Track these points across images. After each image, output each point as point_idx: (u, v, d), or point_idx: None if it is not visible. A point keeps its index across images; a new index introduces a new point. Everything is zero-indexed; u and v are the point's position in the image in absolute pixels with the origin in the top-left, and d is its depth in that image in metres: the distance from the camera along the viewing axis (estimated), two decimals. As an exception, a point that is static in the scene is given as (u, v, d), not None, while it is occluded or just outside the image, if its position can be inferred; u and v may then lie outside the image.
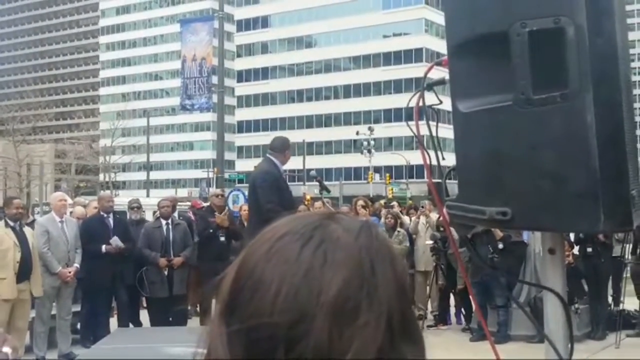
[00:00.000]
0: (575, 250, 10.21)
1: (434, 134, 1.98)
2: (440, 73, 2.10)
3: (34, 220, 10.94)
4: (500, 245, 9.75)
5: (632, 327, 10.33)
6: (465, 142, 1.87)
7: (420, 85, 2.07)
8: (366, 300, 0.75)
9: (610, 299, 11.12)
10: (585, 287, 10.36)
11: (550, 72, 1.63)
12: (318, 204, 12.28)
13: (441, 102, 1.92)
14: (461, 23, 1.86)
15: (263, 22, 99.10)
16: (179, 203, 15.14)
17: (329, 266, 0.76)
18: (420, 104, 2.18)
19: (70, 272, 9.07)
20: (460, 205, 1.84)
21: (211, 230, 10.27)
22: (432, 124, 1.96)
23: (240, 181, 47.02)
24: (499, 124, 1.72)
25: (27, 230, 8.84)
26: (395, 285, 0.79)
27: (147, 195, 46.77)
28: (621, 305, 11.06)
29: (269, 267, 0.77)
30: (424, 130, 2.41)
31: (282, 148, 7.49)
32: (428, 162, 2.13)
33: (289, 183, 7.56)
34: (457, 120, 1.87)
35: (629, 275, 10.80)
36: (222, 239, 10.34)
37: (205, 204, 14.63)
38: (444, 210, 2.00)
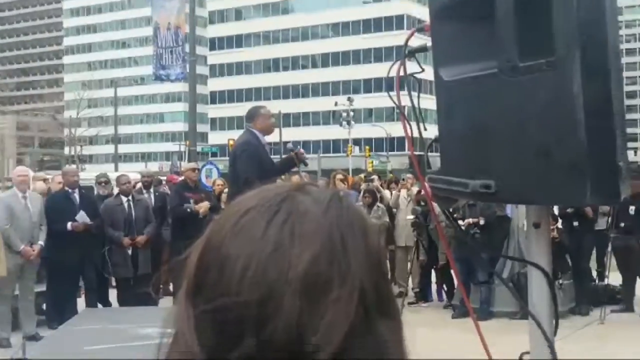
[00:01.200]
0: (559, 224, 10.27)
1: (415, 104, 1.96)
2: (422, 40, 2.09)
3: (-6, 196, 10.85)
4: (482, 221, 9.80)
5: (616, 302, 10.45)
6: (448, 112, 1.86)
7: (402, 53, 2.05)
8: (337, 275, 0.74)
9: (594, 274, 11.27)
10: (570, 262, 10.45)
11: (536, 38, 1.61)
12: (295, 177, 12.25)
13: (423, 70, 1.91)
14: (444, -13, 1.85)
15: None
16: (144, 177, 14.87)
17: (297, 241, 0.75)
18: (402, 73, 2.18)
19: (34, 251, 9.00)
20: (442, 178, 1.83)
21: (189, 210, 10.13)
22: (414, 94, 1.94)
23: (214, 154, 47.03)
24: (484, 94, 1.70)
25: (-12, 206, 8.77)
26: (368, 258, 0.78)
27: (116, 170, 46.27)
28: (606, 280, 11.22)
29: (235, 244, 0.76)
30: (405, 101, 2.41)
31: (252, 117, 7.38)
32: (410, 133, 2.12)
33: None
34: (439, 89, 1.85)
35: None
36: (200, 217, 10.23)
37: (180, 179, 14.57)
38: (426, 183, 2.00)
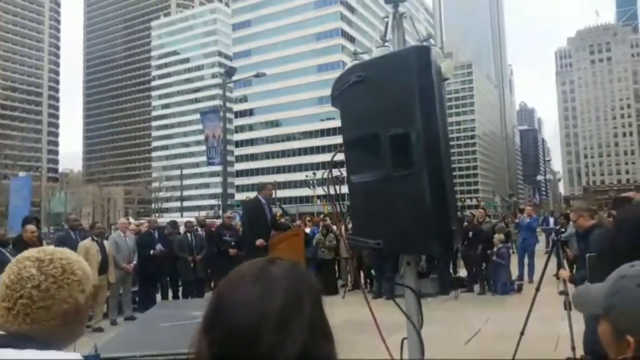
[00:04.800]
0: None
1: (337, 191, 1.92)
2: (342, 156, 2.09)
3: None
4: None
5: (464, 287, 10.41)
6: (354, 199, 1.83)
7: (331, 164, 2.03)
8: (295, 314, 0.72)
9: (451, 270, 11.24)
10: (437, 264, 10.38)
11: (402, 159, 1.58)
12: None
13: (342, 173, 1.89)
14: (351, 129, 1.83)
15: (250, 112, 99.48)
16: (198, 220, 14.44)
17: (271, 295, 0.73)
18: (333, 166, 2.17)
19: (130, 267, 8.74)
20: (354, 237, 1.80)
21: (221, 249, 9.75)
22: (337, 187, 1.91)
23: (237, 206, 46.44)
24: (373, 190, 1.67)
25: (105, 242, 8.54)
26: (313, 299, 0.76)
27: (181, 216, 45.40)
28: (458, 273, 11.20)
29: (233, 300, 0.74)
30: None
31: (260, 188, 7.48)
32: (334, 202, 2.07)
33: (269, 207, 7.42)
34: (350, 185, 1.82)
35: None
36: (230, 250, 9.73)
37: (217, 222, 14.24)
38: (344, 235, 1.95)
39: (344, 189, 1.97)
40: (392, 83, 1.62)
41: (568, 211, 18.38)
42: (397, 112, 1.58)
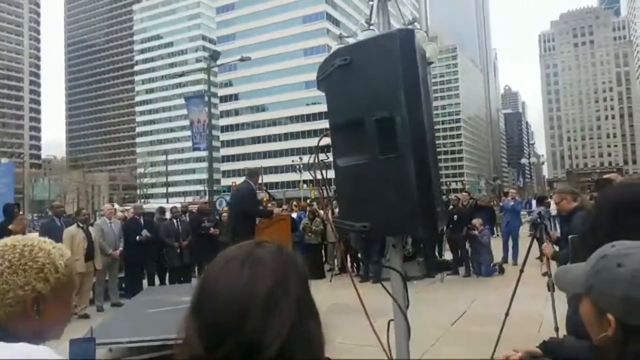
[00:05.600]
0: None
1: (323, 176, 1.92)
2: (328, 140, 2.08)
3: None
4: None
5: (449, 269, 10.53)
6: (341, 182, 1.82)
7: (319, 146, 2.02)
8: (283, 295, 0.72)
9: (437, 253, 11.36)
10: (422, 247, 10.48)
11: (388, 142, 1.58)
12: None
13: (328, 157, 1.88)
14: (337, 113, 1.82)
15: (235, 97, 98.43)
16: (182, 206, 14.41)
17: (259, 278, 0.73)
18: (320, 155, 2.16)
19: (117, 253, 8.68)
20: (340, 221, 1.80)
21: (203, 232, 9.93)
22: (324, 172, 1.90)
23: (223, 191, 46.28)
24: (359, 173, 1.67)
25: (91, 228, 8.48)
26: (300, 280, 0.76)
27: (167, 202, 45.13)
28: (443, 256, 11.33)
29: (222, 280, 0.74)
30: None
31: (250, 174, 7.23)
32: (321, 185, 2.07)
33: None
34: (336, 169, 1.82)
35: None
36: (211, 229, 10.06)
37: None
38: (331, 220, 1.95)
39: (331, 174, 1.97)
40: (376, 66, 1.61)
41: (551, 194, 18.68)
42: (382, 96, 1.58)
